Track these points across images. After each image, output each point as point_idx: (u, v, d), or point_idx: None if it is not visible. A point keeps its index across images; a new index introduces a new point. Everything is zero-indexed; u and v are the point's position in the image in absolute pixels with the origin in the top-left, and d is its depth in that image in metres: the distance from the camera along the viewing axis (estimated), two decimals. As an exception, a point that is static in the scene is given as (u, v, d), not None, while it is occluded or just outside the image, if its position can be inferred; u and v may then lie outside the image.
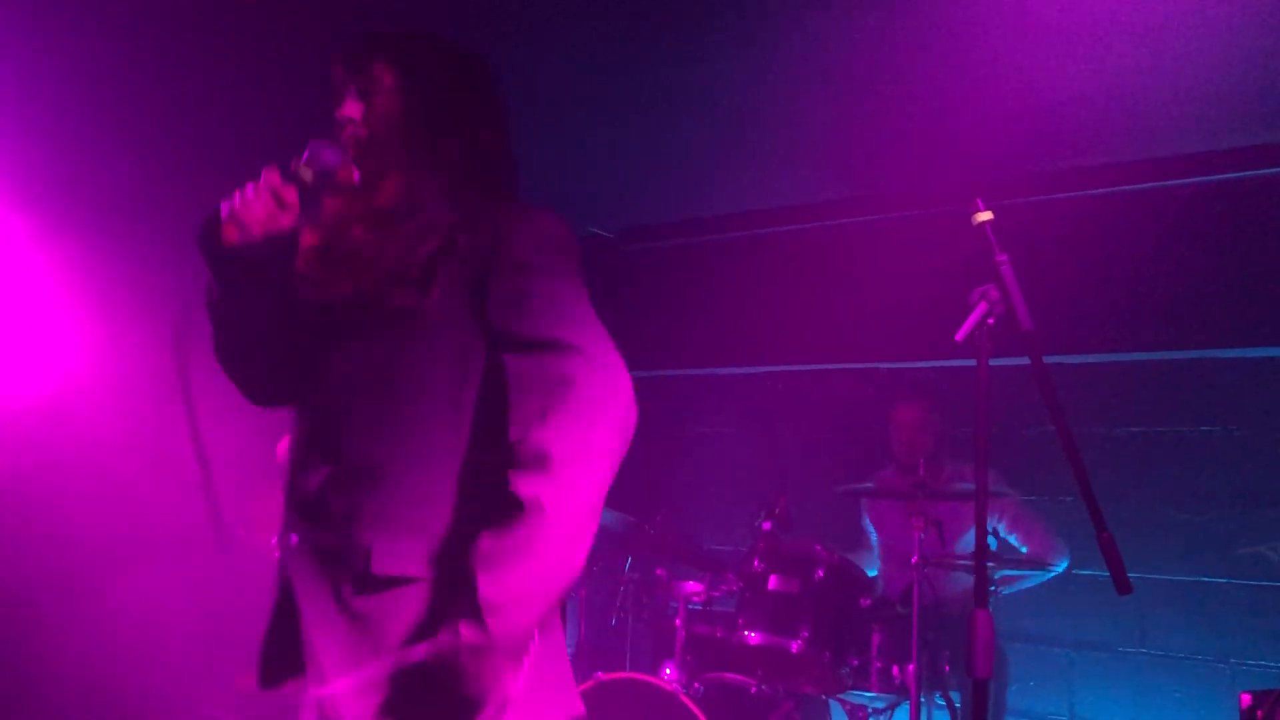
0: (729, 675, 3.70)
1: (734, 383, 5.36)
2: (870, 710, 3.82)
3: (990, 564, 3.69)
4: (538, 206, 1.76)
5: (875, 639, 3.63)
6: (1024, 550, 4.12)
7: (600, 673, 3.63)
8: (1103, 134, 3.97)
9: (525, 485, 1.52)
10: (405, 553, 1.60)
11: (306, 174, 1.72)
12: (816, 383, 5.08)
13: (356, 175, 1.77)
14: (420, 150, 1.78)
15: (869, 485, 4.28)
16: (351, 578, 1.61)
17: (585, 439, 1.55)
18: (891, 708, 3.83)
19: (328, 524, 1.65)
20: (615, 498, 4.55)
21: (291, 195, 1.70)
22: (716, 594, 3.86)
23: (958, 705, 3.65)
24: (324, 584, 1.64)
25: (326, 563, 1.64)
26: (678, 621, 3.79)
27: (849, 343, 4.84)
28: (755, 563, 3.77)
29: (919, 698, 3.48)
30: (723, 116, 3.94)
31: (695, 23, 3.25)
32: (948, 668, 3.68)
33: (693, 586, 3.86)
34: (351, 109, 1.79)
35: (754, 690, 3.64)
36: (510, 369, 1.62)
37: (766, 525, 3.85)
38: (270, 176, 1.69)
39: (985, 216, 2.13)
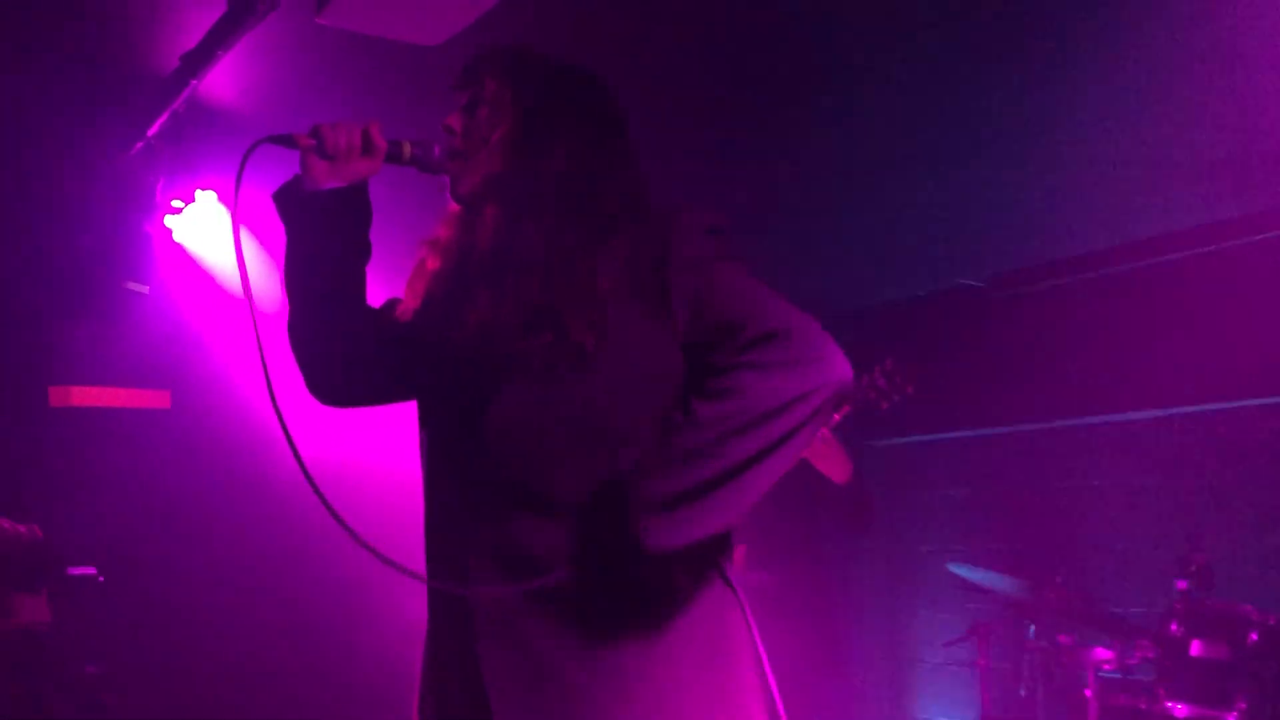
0: (1154, 750, 3.40)
1: (1130, 429, 4.93)
2: (1337, 796, 3.34)
3: None
4: (674, 204, 1.65)
5: (1338, 712, 3.21)
6: None
7: (1007, 747, 3.46)
8: None
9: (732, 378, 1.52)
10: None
11: (406, 148, 1.72)
12: (1225, 423, 4.56)
13: (448, 181, 1.75)
14: (519, 171, 1.69)
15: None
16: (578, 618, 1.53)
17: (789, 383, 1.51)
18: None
19: (529, 568, 1.54)
20: (1010, 561, 4.32)
21: (381, 143, 1.70)
22: (1132, 661, 3.60)
23: None
24: (539, 634, 1.54)
25: (537, 609, 1.54)
26: (1088, 692, 3.57)
27: (1256, 376, 4.32)
28: (1173, 626, 3.48)
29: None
30: (1088, 141, 3.70)
31: (1050, 46, 3.13)
32: None
33: (1103, 653, 3.65)
34: (454, 120, 1.75)
35: (1187, 767, 3.31)
36: (723, 371, 1.54)
37: (1182, 584, 3.54)
38: (369, 122, 1.71)
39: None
